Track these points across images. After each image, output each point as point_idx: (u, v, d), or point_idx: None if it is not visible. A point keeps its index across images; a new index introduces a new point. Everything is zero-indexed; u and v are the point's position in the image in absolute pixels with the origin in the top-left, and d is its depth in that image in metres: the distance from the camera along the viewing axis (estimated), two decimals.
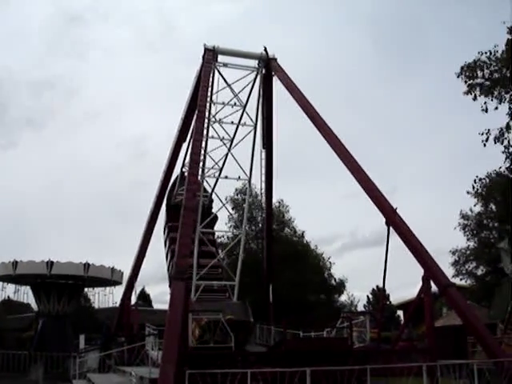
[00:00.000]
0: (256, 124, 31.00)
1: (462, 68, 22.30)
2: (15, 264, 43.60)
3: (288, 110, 31.04)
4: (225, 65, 30.65)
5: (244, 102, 30.96)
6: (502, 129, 20.93)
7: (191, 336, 19.71)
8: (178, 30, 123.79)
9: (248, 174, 30.87)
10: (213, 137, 30.38)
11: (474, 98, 21.92)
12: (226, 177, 32.44)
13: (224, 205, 33.64)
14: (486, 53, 21.56)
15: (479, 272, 46.85)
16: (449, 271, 43.65)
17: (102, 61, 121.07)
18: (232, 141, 31.44)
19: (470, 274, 46.94)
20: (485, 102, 21.66)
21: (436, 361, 17.11)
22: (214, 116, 30.12)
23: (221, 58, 30.51)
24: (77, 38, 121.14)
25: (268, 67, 30.42)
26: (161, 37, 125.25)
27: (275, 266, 36.40)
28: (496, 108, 21.64)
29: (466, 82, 22.03)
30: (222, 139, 31.01)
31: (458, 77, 22.18)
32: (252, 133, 30.93)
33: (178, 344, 16.06)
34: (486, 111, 21.72)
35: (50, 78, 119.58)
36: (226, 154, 31.73)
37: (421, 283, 19.55)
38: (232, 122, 31.03)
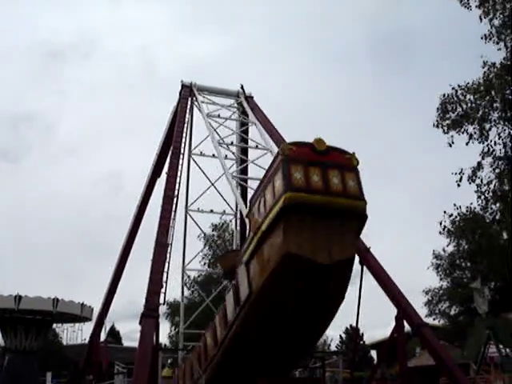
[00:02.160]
0: (237, 159, 30.91)
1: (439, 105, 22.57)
2: None
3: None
4: (202, 101, 30.71)
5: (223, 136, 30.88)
6: (474, 168, 21.14)
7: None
8: (157, 68, 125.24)
9: (234, 207, 30.65)
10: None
11: (444, 132, 22.15)
12: (212, 211, 31.98)
13: (211, 246, 33.19)
14: (459, 86, 21.85)
15: (452, 312, 46.92)
16: (422, 311, 43.56)
17: (80, 97, 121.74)
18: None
19: (443, 313, 46.97)
20: (452, 136, 21.91)
21: None
22: (192, 150, 29.97)
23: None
24: (57, 74, 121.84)
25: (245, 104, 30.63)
26: (140, 74, 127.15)
27: None
28: (467, 143, 21.89)
29: (439, 116, 22.28)
30: (204, 173, 30.71)
31: (437, 112, 22.42)
32: (234, 167, 30.78)
33: (147, 383, 15.72)
34: (450, 146, 21.94)
35: (28, 113, 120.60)
36: (208, 187, 31.41)
37: (394, 323, 19.49)
38: (213, 155, 30.85)
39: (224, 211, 31.25)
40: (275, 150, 24.54)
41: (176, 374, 23.28)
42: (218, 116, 29.79)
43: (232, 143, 30.50)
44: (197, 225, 31.24)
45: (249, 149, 30.45)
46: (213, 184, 30.19)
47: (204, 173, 30.41)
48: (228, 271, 18.07)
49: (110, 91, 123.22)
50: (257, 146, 28.57)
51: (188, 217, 29.86)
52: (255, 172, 29.70)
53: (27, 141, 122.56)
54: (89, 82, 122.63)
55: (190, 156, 29.46)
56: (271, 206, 13.07)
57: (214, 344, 17.33)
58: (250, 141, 29.98)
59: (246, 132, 30.71)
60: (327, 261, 12.52)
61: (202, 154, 30.07)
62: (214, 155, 30.55)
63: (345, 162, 13.31)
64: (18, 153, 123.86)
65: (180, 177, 28.66)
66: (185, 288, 32.27)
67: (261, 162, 26.39)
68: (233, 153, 30.75)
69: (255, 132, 29.35)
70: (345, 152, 13.64)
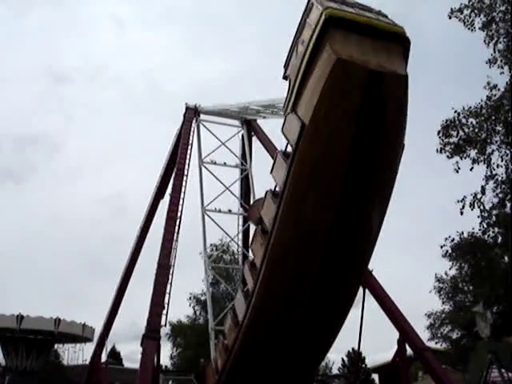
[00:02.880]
0: (242, 180, 31.36)
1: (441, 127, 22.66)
2: None
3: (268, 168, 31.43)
4: (206, 123, 31.12)
5: (227, 160, 31.42)
6: (475, 194, 21.20)
7: None
8: (162, 90, 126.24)
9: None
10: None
11: (448, 157, 22.19)
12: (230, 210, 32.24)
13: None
14: (462, 109, 21.93)
15: (454, 335, 46.66)
16: (424, 334, 43.40)
17: (85, 119, 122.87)
18: None
19: (446, 337, 46.71)
20: (457, 162, 21.94)
21: None
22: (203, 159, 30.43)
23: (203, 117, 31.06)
24: (63, 96, 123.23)
25: (248, 127, 30.94)
26: (145, 96, 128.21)
27: None
28: (471, 169, 21.94)
29: (441, 140, 22.33)
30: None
31: (438, 135, 22.50)
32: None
33: None
34: (457, 171, 21.99)
35: (33, 134, 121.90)
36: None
37: (396, 346, 19.48)
38: (225, 163, 31.36)
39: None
40: None
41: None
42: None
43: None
44: (217, 225, 31.59)
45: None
46: (228, 188, 30.62)
47: (217, 177, 30.84)
48: (256, 222, 16.39)
49: (115, 113, 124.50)
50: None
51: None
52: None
53: (32, 162, 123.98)
54: (94, 104, 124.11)
55: (201, 165, 30.08)
56: (310, 36, 11.92)
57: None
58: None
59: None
60: (380, 68, 11.42)
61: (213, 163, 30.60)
62: (225, 163, 31.21)
63: None
64: (23, 173, 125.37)
65: (183, 198, 29.03)
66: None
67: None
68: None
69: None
70: None
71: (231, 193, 31.06)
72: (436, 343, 46.02)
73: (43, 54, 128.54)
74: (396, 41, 11.95)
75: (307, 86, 12.21)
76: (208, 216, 29.35)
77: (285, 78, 13.36)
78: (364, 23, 11.60)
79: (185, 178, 27.90)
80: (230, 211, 31.08)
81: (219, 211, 30.14)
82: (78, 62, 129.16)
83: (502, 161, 21.50)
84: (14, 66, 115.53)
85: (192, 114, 30.26)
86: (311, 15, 11.96)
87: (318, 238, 12.72)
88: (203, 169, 29.93)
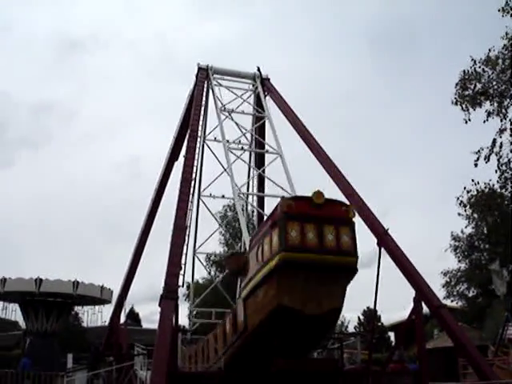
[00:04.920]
0: (251, 144, 31.01)
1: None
2: (3, 281, 43.16)
3: (282, 130, 31.16)
4: (219, 84, 30.67)
5: (238, 121, 30.92)
6: (492, 147, 20.94)
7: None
8: (175, 52, 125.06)
9: (245, 191, 30.69)
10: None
11: (462, 109, 21.87)
12: (223, 196, 32.15)
13: (221, 225, 33.43)
14: (480, 59, 21.48)
15: (470, 294, 46.85)
16: (440, 293, 43.52)
17: (100, 85, 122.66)
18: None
19: (462, 295, 46.90)
20: (468, 113, 21.65)
21: (427, 383, 17.01)
22: (206, 136, 30.01)
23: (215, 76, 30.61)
24: (77, 63, 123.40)
25: (261, 87, 30.51)
26: (158, 60, 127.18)
27: None
28: (485, 121, 21.64)
29: (458, 93, 21.97)
30: (217, 158, 30.91)
31: (455, 87, 22.13)
32: (247, 152, 30.84)
33: (167, 364, 15.88)
34: (466, 122, 21.72)
35: (48, 102, 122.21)
36: (221, 173, 31.55)
37: (412, 304, 19.48)
38: (228, 141, 30.95)
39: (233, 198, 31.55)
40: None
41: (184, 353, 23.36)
42: (232, 111, 29.80)
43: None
44: (209, 211, 31.70)
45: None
46: (225, 170, 30.40)
47: (217, 158, 30.59)
48: (234, 272, 19.23)
49: (128, 79, 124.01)
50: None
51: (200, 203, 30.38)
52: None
53: (47, 129, 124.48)
54: (107, 71, 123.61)
55: (203, 141, 29.48)
56: (268, 258, 14.29)
57: (233, 331, 17.57)
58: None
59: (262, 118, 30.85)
60: (316, 312, 13.99)
61: (215, 140, 30.19)
62: (228, 141, 30.74)
63: (341, 215, 14.50)
64: (39, 141, 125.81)
65: (198, 160, 28.87)
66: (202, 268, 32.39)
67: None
68: (246, 138, 30.89)
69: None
70: (342, 204, 14.99)
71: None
72: (452, 301, 46.29)
73: (57, 21, 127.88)
74: (343, 273, 14.32)
75: (256, 297, 15.18)
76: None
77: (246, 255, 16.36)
78: (314, 262, 13.69)
79: (198, 139, 27.74)
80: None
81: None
82: (91, 30, 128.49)
83: None
84: (26, 33, 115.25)
85: (204, 74, 29.91)
86: (274, 235, 14.11)
87: None
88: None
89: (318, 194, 14.27)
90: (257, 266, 15.04)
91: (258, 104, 30.81)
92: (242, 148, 29.48)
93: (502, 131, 21.14)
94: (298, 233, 13.73)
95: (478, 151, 21.02)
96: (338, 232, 14.07)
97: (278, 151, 27.10)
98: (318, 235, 13.80)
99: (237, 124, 29.64)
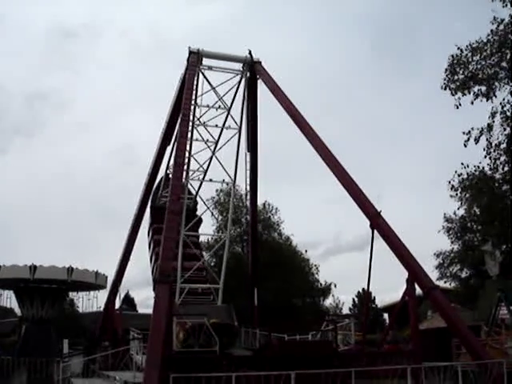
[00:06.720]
0: (241, 127, 31.15)
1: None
2: None
3: (273, 114, 31.13)
4: (209, 68, 30.64)
5: (229, 104, 31.00)
6: (482, 129, 21.08)
7: (175, 340, 19.58)
8: (168, 38, 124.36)
9: (232, 176, 31.01)
10: (197, 139, 30.43)
11: (452, 94, 22.03)
12: (211, 180, 32.46)
13: (208, 208, 33.63)
14: (466, 47, 21.62)
15: (463, 274, 47.05)
16: (433, 274, 43.80)
17: (92, 73, 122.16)
18: (216, 144, 31.49)
19: (455, 276, 47.12)
20: (459, 98, 21.81)
21: (421, 363, 17.15)
22: (198, 119, 30.18)
23: (206, 61, 30.52)
24: (71, 52, 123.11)
25: (252, 70, 30.41)
26: (150, 47, 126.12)
27: (261, 270, 36.26)
28: (472, 102, 21.79)
29: (447, 78, 22.12)
30: (206, 142, 31.07)
31: (444, 72, 22.27)
32: (237, 136, 31.04)
33: (162, 348, 15.97)
34: (457, 108, 21.87)
35: (42, 90, 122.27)
36: (211, 157, 31.73)
37: (405, 286, 19.61)
38: (216, 125, 31.11)
39: (223, 180, 31.87)
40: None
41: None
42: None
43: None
44: (200, 197, 31.87)
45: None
46: (214, 154, 30.69)
47: (206, 142, 30.79)
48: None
49: (122, 67, 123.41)
50: None
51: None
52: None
53: (41, 117, 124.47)
54: (101, 58, 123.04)
55: (192, 126, 29.60)
56: None
57: None
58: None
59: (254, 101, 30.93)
60: None
61: (203, 124, 30.48)
62: (216, 125, 31.00)
63: None
64: (33, 129, 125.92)
65: (191, 144, 28.99)
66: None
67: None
68: (236, 122, 31.12)
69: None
70: None
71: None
72: (445, 282, 46.53)
73: (50, 10, 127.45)
74: None
75: None
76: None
77: None
78: None
79: (190, 123, 27.73)
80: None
81: None
82: (84, 19, 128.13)
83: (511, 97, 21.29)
84: (21, 23, 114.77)
85: (195, 58, 29.76)
86: None
87: None
88: None
89: None
90: None
91: (250, 86, 30.82)
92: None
93: (493, 114, 21.25)
94: None
95: (469, 132, 21.14)
96: None
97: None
98: None
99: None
